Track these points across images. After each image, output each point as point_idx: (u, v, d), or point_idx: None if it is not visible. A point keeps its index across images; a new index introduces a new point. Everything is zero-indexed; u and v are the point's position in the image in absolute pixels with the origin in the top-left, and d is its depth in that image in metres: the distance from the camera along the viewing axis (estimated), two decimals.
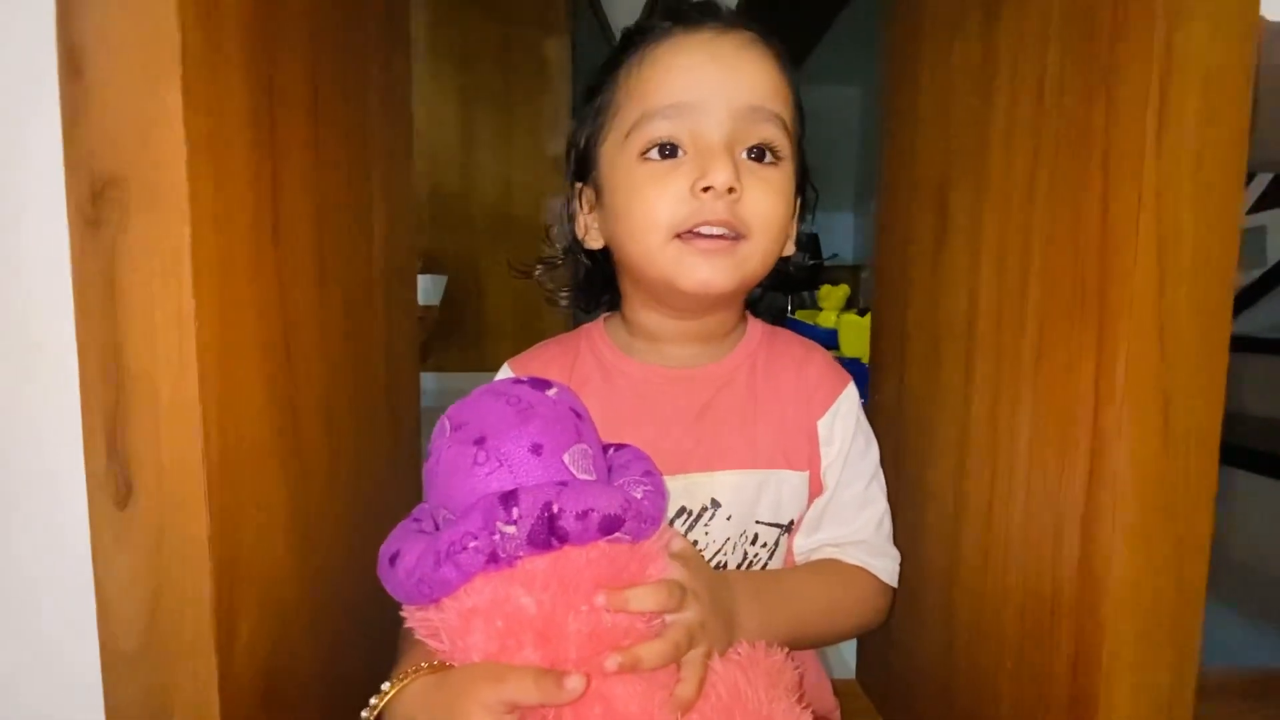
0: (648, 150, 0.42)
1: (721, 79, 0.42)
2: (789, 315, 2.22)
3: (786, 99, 0.44)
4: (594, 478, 0.36)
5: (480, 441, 0.34)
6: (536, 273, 0.54)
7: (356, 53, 0.52)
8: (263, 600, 0.38)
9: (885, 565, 0.49)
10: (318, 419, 0.45)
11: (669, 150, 0.42)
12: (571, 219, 0.50)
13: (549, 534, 0.32)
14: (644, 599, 0.34)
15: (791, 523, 0.48)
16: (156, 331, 0.32)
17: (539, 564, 0.32)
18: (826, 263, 2.70)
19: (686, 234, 0.42)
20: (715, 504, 0.45)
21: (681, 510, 0.46)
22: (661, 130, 0.42)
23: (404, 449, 0.62)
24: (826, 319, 1.92)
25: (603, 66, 0.47)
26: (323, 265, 0.46)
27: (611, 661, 0.32)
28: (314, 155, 0.44)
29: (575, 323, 0.54)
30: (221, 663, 0.34)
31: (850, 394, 0.50)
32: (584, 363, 0.49)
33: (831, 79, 2.98)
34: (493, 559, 0.32)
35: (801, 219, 0.51)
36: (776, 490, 0.46)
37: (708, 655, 0.36)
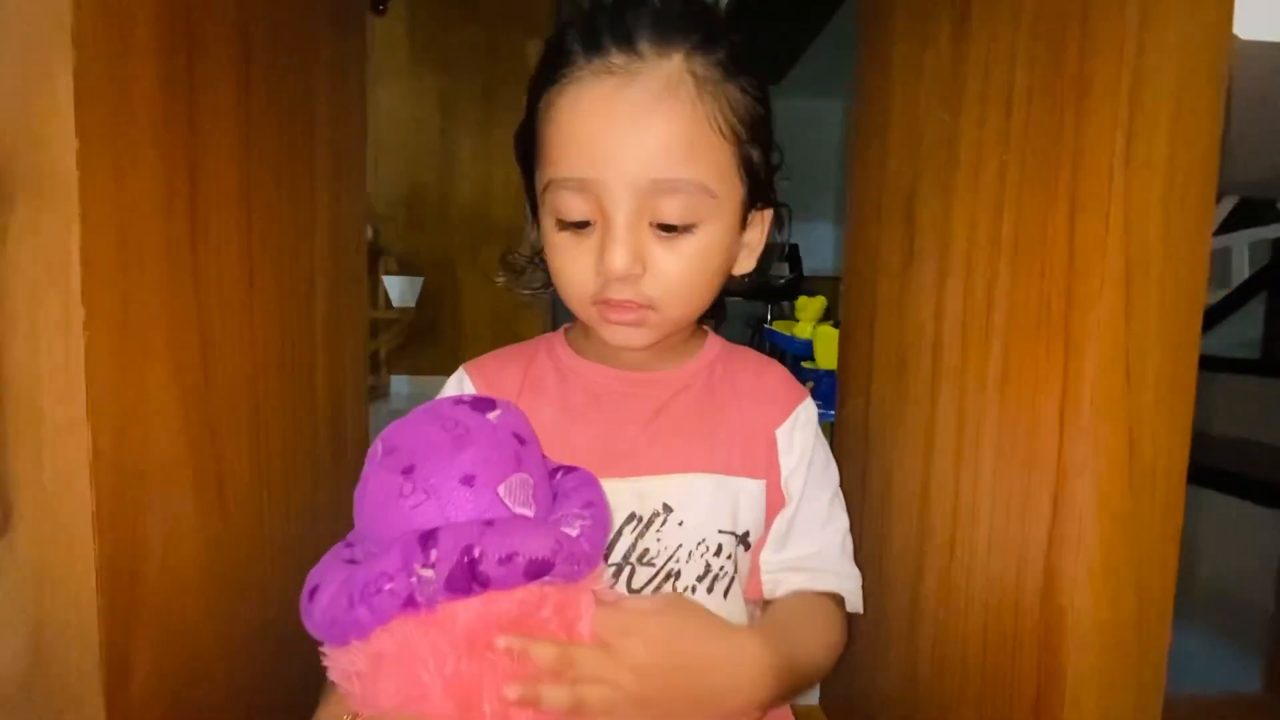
0: (559, 218, 0.41)
1: (620, 152, 0.38)
2: (766, 325, 2.22)
3: (708, 150, 0.40)
4: (532, 511, 0.34)
5: (409, 471, 0.32)
6: (499, 280, 0.52)
7: (299, 35, 0.49)
8: (168, 638, 0.35)
9: (852, 588, 0.48)
10: (242, 440, 0.42)
11: (579, 222, 0.41)
12: (537, 224, 0.47)
13: (469, 579, 0.30)
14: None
15: (747, 534, 0.46)
16: (40, 342, 0.29)
17: (457, 609, 0.30)
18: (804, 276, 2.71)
19: (601, 302, 0.42)
20: (667, 509, 0.44)
21: (631, 516, 0.44)
22: (567, 205, 0.40)
23: (348, 473, 0.58)
24: (803, 330, 1.92)
25: (535, 72, 0.43)
26: (253, 267, 0.42)
27: (511, 691, 0.30)
28: (243, 149, 0.41)
29: (554, 325, 0.53)
30: (111, 708, 0.31)
31: (809, 406, 0.49)
32: (540, 365, 0.48)
33: (813, 92, 3.00)
34: (410, 603, 0.30)
35: (778, 230, 0.49)
36: (733, 497, 0.45)
37: None
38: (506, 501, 0.33)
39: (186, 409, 0.36)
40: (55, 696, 0.30)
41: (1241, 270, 1.48)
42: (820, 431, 0.50)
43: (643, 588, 0.43)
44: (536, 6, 2.56)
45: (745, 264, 0.47)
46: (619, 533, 0.43)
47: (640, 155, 0.38)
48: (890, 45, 0.56)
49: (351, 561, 0.34)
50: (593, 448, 0.44)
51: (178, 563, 0.36)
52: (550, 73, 0.40)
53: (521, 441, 0.36)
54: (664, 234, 0.40)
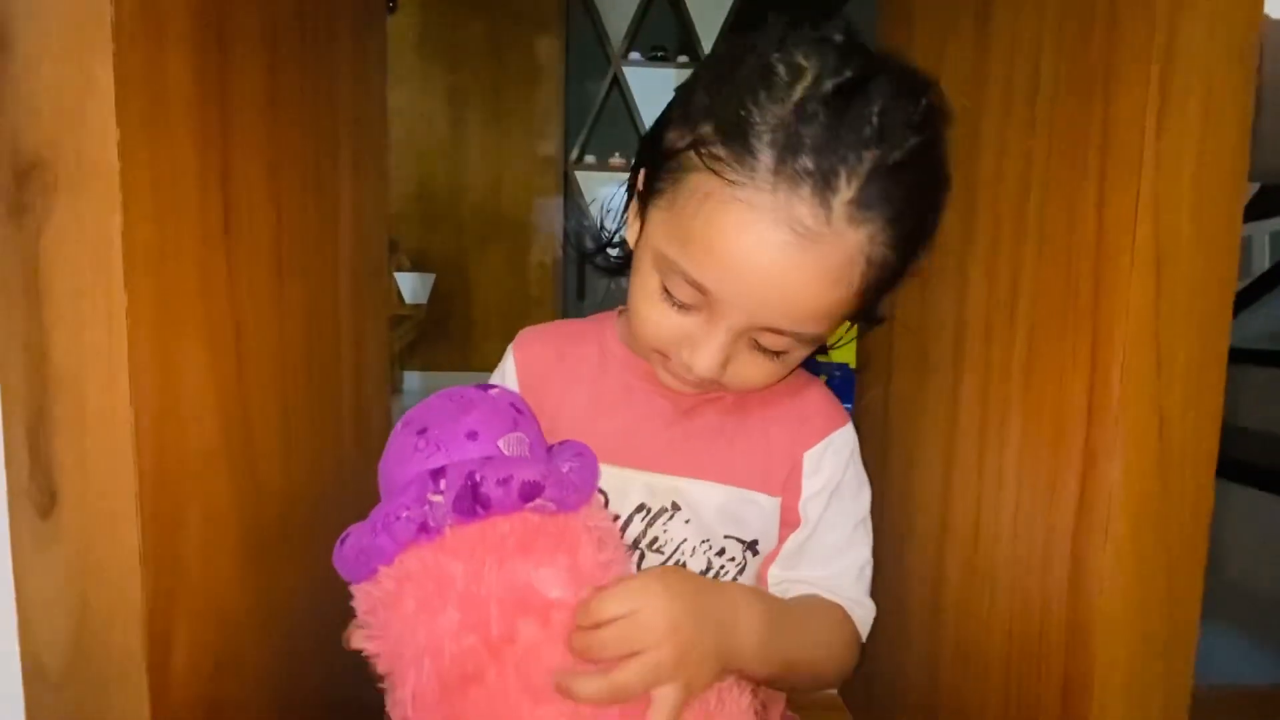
0: (666, 288, 0.39)
1: (759, 300, 0.36)
2: None
3: (839, 313, 0.38)
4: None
5: (422, 431, 0.37)
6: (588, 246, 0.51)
7: (324, 31, 0.50)
8: (206, 617, 0.36)
9: (862, 615, 0.46)
10: (273, 423, 0.43)
11: (684, 304, 0.39)
12: (626, 209, 0.46)
13: (473, 501, 0.34)
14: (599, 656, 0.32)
15: (756, 541, 0.46)
16: (84, 328, 0.29)
17: (465, 531, 0.34)
18: None
19: (667, 357, 0.41)
20: (675, 507, 0.44)
21: (641, 507, 0.45)
22: (680, 291, 0.38)
23: (372, 455, 0.59)
24: None
25: (691, 101, 0.38)
26: (281, 258, 0.43)
27: (557, 687, 0.32)
28: (272, 141, 0.42)
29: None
30: (155, 684, 0.32)
31: (846, 433, 0.47)
32: (587, 345, 0.49)
33: None
34: (423, 528, 0.34)
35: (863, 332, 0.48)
36: (742, 509, 0.45)
37: (683, 695, 0.33)
38: (505, 451, 0.37)
39: (221, 396, 0.37)
40: (100, 674, 0.31)
41: (1262, 261, 1.46)
42: (857, 458, 0.48)
43: None
44: (545, 3, 2.55)
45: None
46: (629, 519, 0.44)
47: (777, 308, 0.36)
48: (910, 33, 0.56)
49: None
50: (615, 437, 0.45)
51: (215, 545, 0.37)
52: (724, 152, 0.34)
53: (518, 411, 0.40)
54: (757, 348, 0.39)
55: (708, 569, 0.45)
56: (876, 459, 0.57)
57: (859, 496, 0.48)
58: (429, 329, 2.48)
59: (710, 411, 0.46)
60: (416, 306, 2.37)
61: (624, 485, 0.44)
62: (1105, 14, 0.34)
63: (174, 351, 0.33)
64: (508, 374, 0.49)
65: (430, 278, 2.41)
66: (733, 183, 0.34)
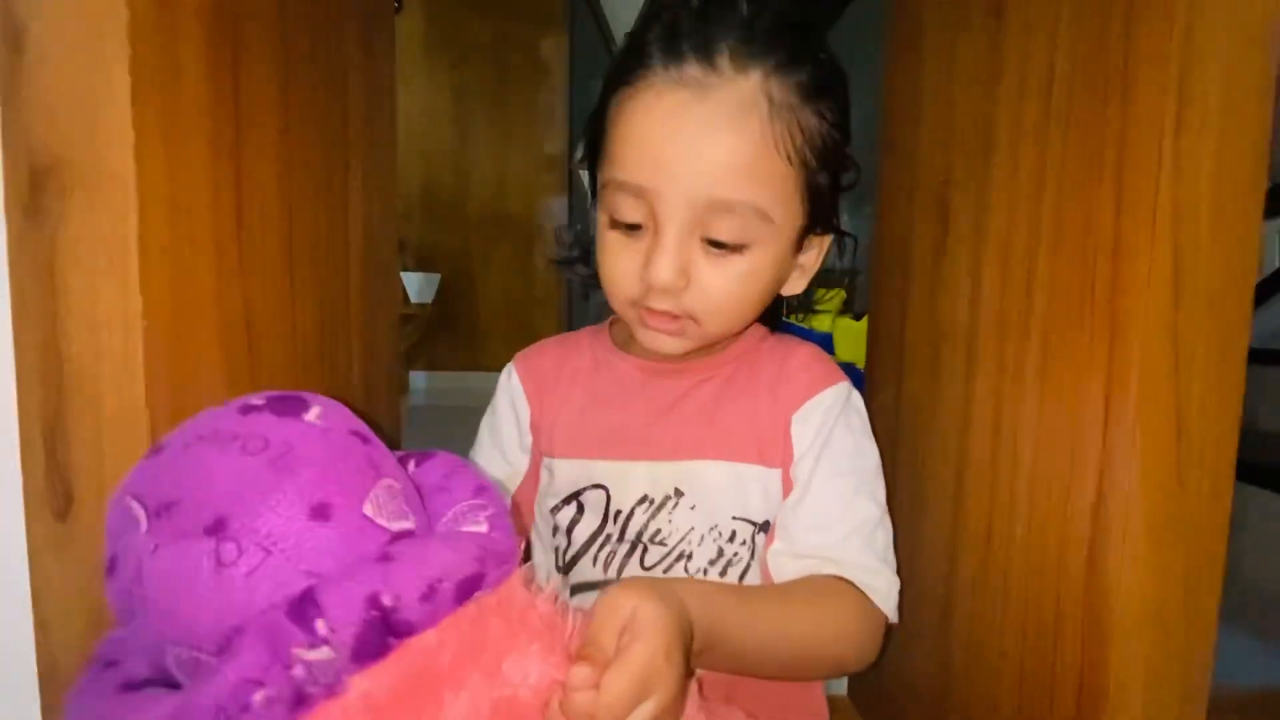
0: (612, 216, 0.41)
1: (681, 167, 0.38)
2: (784, 318, 2.21)
3: (771, 175, 0.39)
4: (413, 522, 0.26)
5: (218, 528, 0.22)
6: (552, 259, 0.55)
7: (334, 34, 0.50)
8: None
9: (877, 584, 0.42)
10: None
11: (631, 224, 0.40)
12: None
13: (386, 635, 0.22)
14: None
15: (767, 523, 0.45)
16: (100, 331, 0.29)
17: (376, 677, 0.22)
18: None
19: (641, 307, 0.42)
20: (678, 493, 0.44)
21: (644, 498, 0.44)
22: (622, 207, 0.40)
23: None
24: (821, 322, 1.90)
25: (612, 64, 0.43)
26: (293, 260, 0.43)
27: None
28: (284, 142, 0.42)
29: (569, 320, 0.55)
30: None
31: (836, 392, 0.46)
32: (580, 355, 0.50)
33: None
34: (300, 702, 0.21)
35: (839, 257, 0.49)
36: (747, 485, 0.45)
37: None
38: (380, 522, 0.24)
39: (234, 396, 0.37)
40: None
41: (1273, 259, 1.44)
42: (853, 418, 0.47)
43: (654, 566, 0.44)
44: (550, 2, 2.56)
45: (796, 285, 0.46)
46: (631, 512, 0.44)
47: (700, 172, 0.38)
48: (920, 28, 0.55)
49: (134, 686, 0.24)
50: (613, 430, 0.45)
51: None
52: (625, 72, 0.40)
53: (364, 440, 0.27)
54: (714, 250, 0.40)
55: (719, 557, 0.44)
56: (887, 460, 0.57)
57: (858, 456, 0.45)
58: (434, 328, 2.49)
59: (703, 392, 0.47)
60: (422, 306, 2.38)
61: (625, 478, 0.44)
62: (1122, 8, 0.33)
63: (188, 352, 0.33)
64: (514, 390, 0.50)
65: (435, 277, 2.42)
66: (634, 82, 0.39)
